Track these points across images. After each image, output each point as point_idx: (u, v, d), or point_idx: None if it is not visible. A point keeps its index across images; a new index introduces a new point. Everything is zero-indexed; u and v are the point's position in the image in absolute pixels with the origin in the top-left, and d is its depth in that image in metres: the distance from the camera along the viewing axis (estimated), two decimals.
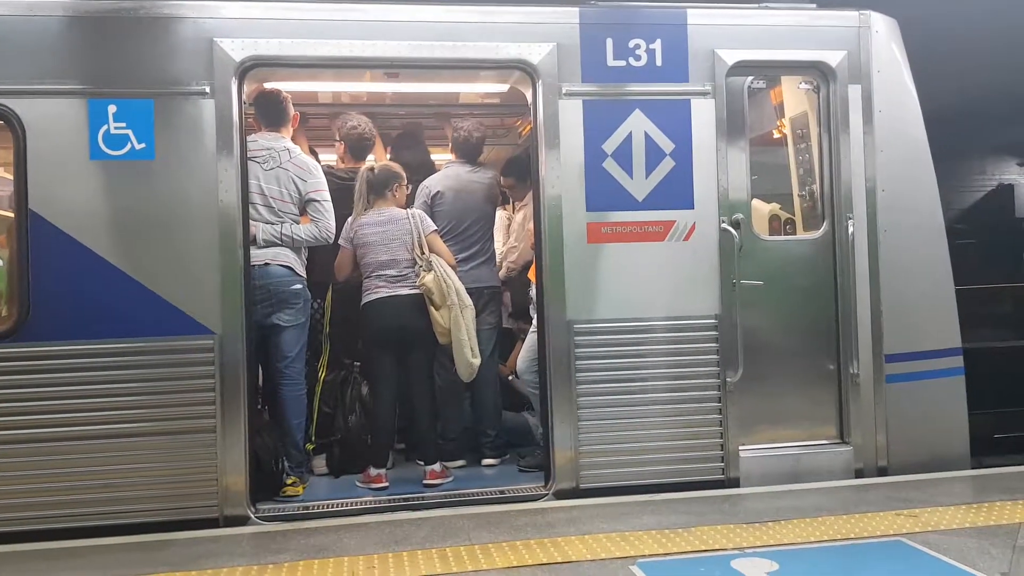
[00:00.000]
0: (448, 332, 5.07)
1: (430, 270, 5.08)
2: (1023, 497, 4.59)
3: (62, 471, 4.40)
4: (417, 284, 5.12)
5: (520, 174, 6.01)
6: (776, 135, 5.98)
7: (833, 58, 5.26)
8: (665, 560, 3.77)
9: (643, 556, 3.81)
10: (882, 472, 5.18)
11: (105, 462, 4.44)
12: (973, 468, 5.35)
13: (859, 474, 5.16)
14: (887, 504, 4.54)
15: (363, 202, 5.30)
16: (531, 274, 5.46)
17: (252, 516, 4.57)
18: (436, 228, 5.35)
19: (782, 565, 3.67)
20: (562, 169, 4.92)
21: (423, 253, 5.15)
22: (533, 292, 5.36)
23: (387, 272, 5.18)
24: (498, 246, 6.29)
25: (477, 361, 5.14)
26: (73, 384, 4.42)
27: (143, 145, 4.54)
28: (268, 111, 5.24)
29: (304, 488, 5.06)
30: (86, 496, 4.41)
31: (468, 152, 5.91)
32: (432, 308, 5.08)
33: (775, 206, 5.67)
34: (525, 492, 4.94)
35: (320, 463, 5.55)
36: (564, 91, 4.93)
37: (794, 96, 5.74)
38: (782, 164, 5.85)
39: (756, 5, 5.31)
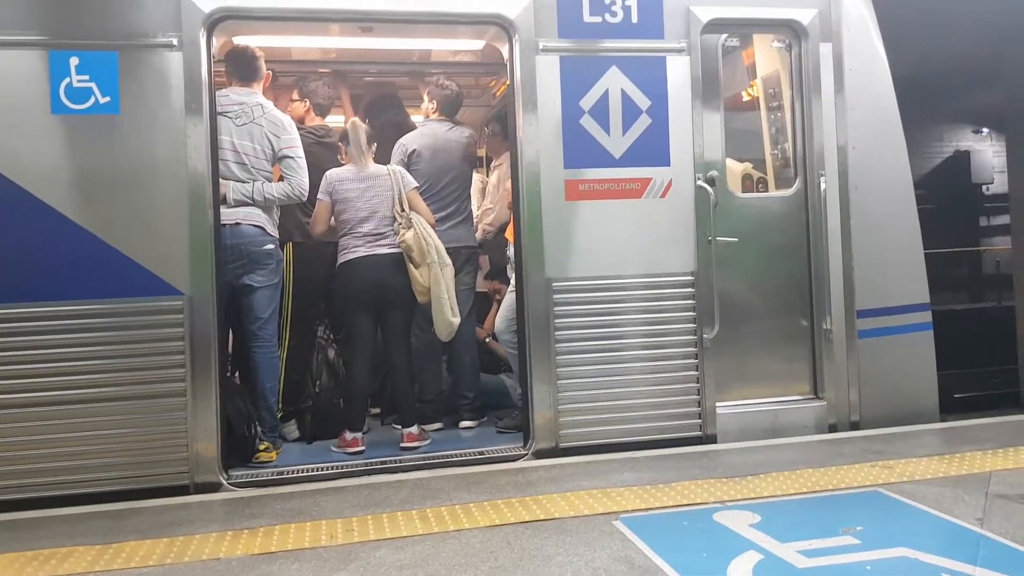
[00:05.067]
0: (427, 291, 5.00)
1: (410, 227, 4.99)
2: (991, 447, 4.70)
3: (26, 439, 4.24)
4: (397, 241, 5.03)
5: (506, 124, 5.92)
6: (747, 96, 5.98)
7: (805, 16, 5.28)
8: (648, 515, 3.77)
9: (626, 511, 3.81)
10: (855, 426, 5.27)
11: (71, 429, 4.28)
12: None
13: (832, 429, 5.23)
14: (862, 456, 4.61)
15: (369, 152, 5.17)
16: (509, 233, 5.40)
17: (224, 482, 4.47)
18: (416, 185, 5.26)
19: (764, 517, 3.69)
20: (540, 126, 4.86)
21: (403, 210, 5.06)
22: (511, 252, 5.31)
23: (364, 228, 5.07)
24: (473, 208, 6.21)
25: (457, 320, 5.08)
26: (37, 348, 4.25)
27: (107, 99, 4.36)
28: (240, 66, 5.07)
29: (277, 454, 4.97)
30: (52, 464, 4.26)
31: (450, 108, 5.81)
32: (411, 266, 4.99)
33: (747, 165, 5.68)
34: (504, 453, 4.92)
35: (292, 428, 5.45)
36: (541, 47, 4.86)
37: (766, 55, 5.75)
38: (755, 123, 5.86)
39: None
